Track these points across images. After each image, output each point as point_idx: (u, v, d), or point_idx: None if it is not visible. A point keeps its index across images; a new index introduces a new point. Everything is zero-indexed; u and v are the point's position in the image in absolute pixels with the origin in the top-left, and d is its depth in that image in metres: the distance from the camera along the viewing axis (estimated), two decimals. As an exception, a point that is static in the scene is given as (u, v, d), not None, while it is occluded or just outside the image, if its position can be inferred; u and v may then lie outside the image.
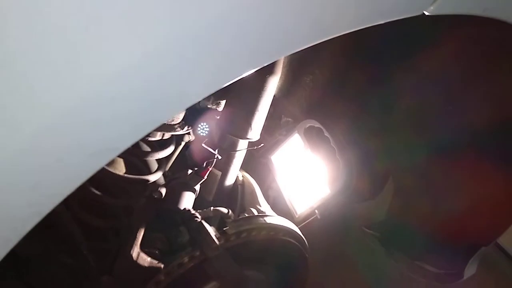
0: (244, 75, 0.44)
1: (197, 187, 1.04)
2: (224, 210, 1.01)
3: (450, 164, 1.04)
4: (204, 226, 0.89)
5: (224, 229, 0.92)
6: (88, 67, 0.34)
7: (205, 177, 1.02)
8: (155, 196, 0.97)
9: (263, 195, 1.16)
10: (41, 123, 0.34)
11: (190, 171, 1.05)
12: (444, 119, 0.98)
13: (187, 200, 0.99)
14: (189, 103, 0.43)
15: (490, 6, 0.55)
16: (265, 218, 0.98)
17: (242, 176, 1.17)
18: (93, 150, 0.38)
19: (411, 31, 0.84)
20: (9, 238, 0.39)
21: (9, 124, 0.35)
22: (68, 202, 1.02)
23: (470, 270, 1.11)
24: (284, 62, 1.07)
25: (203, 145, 1.02)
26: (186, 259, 0.87)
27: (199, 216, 0.92)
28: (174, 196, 0.99)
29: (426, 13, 0.49)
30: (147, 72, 0.36)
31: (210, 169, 1.02)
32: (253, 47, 0.41)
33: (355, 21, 0.45)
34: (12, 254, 0.46)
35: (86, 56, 0.34)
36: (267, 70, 0.99)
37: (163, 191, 1.00)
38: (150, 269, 0.89)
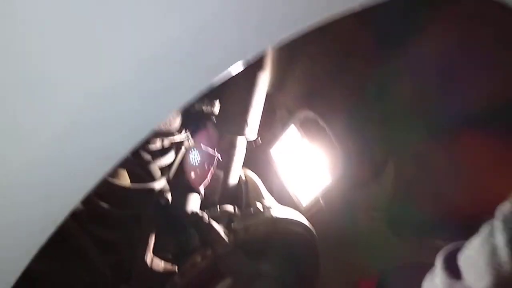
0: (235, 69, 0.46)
1: (202, 189, 1.06)
2: (230, 207, 1.04)
3: (450, 142, 1.05)
4: (212, 225, 0.91)
5: (232, 225, 0.95)
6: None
7: (208, 178, 1.04)
8: (162, 203, 0.99)
9: (267, 190, 1.19)
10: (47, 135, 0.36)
11: (193, 174, 1.07)
12: (444, 99, 1.00)
13: (193, 203, 1.01)
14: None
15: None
16: (271, 211, 1.00)
17: (245, 173, 1.19)
18: (98, 156, 0.40)
19: (409, 10, 0.85)
20: (29, 250, 0.42)
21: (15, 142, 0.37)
22: (79, 219, 1.04)
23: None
24: (272, 56, 1.09)
25: (202, 146, 1.04)
26: (198, 259, 0.90)
27: (207, 216, 0.94)
28: (180, 200, 1.01)
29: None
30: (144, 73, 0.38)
31: (212, 170, 1.04)
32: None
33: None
34: (29, 272, 0.48)
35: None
36: (257, 66, 1.02)
37: (169, 196, 1.02)
38: (165, 272, 0.91)
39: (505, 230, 0.51)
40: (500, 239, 0.51)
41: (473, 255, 0.55)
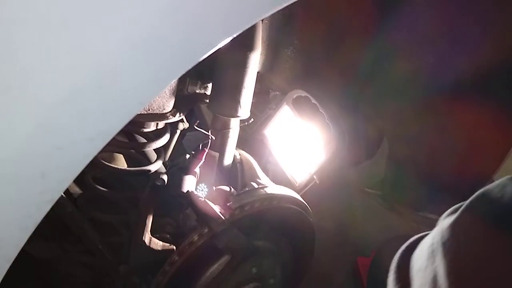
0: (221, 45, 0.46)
1: (197, 170, 1.07)
2: (226, 188, 1.05)
3: (442, 112, 1.06)
4: (208, 204, 0.93)
5: (228, 204, 0.97)
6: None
7: (203, 159, 1.05)
8: (159, 184, 1.01)
9: (262, 170, 1.20)
10: (39, 116, 0.37)
11: (188, 156, 1.08)
12: (439, 70, 0.99)
13: (189, 183, 1.03)
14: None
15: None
16: (265, 189, 1.02)
17: (239, 154, 1.21)
18: (90, 135, 0.42)
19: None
20: (27, 226, 0.43)
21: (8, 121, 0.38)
22: (78, 203, 1.06)
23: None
24: (263, 37, 1.09)
25: (195, 127, 1.05)
26: (196, 238, 0.92)
27: (203, 196, 0.96)
28: (177, 181, 1.02)
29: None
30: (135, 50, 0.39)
31: (207, 150, 1.06)
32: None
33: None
34: (32, 257, 0.50)
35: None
36: (247, 47, 1.02)
37: (165, 178, 1.03)
38: (164, 252, 0.93)
39: (445, 257, 0.48)
40: (440, 266, 0.49)
41: (419, 270, 0.54)
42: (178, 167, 1.07)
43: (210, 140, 1.05)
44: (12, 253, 0.45)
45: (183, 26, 0.42)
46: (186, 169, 1.05)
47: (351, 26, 1.05)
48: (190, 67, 0.45)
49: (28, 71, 0.37)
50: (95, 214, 1.07)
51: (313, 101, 1.13)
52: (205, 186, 1.03)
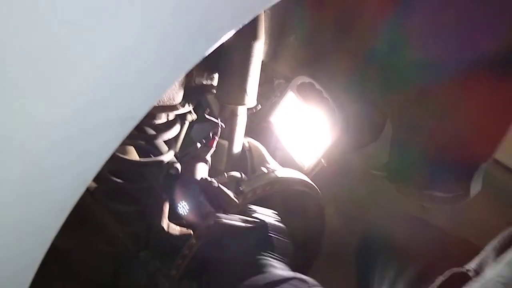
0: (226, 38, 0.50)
1: (208, 158, 1.11)
2: (237, 174, 1.09)
3: (445, 90, 1.09)
4: (222, 189, 0.97)
5: (241, 189, 1.00)
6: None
7: (214, 147, 1.09)
8: (173, 173, 1.05)
9: (271, 156, 1.24)
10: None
11: (199, 145, 1.12)
12: (446, 51, 1.01)
13: (202, 171, 1.07)
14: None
15: None
16: (275, 173, 1.06)
17: (248, 142, 1.25)
18: (118, 120, 0.45)
19: None
20: (64, 208, 0.47)
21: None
22: (96, 196, 1.10)
23: (475, 188, 1.19)
24: (265, 26, 1.13)
25: (205, 115, 1.09)
26: (212, 222, 0.96)
27: (216, 182, 1.00)
28: (189, 169, 1.06)
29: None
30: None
31: (217, 138, 1.09)
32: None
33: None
34: (54, 248, 0.53)
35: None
36: (251, 36, 1.06)
37: (178, 167, 1.07)
38: (182, 236, 0.98)
39: None
40: None
41: None
42: (190, 156, 1.10)
43: (220, 128, 1.09)
44: (51, 235, 0.49)
45: (191, 20, 0.45)
46: (198, 157, 1.09)
47: (362, 11, 1.07)
48: (197, 61, 0.49)
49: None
50: (113, 205, 1.11)
51: (317, 86, 1.16)
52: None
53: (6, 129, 0.41)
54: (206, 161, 1.10)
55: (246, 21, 0.49)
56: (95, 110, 0.44)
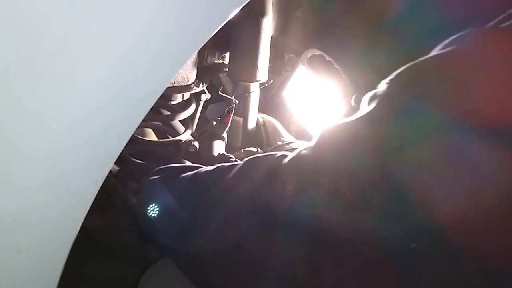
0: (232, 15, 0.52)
1: (225, 135, 1.14)
2: (254, 149, 1.12)
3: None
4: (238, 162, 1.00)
5: (258, 162, 1.03)
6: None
7: (229, 123, 1.12)
8: (191, 151, 1.08)
9: (286, 130, 1.27)
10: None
11: (214, 123, 1.15)
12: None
13: (219, 147, 1.10)
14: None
15: None
16: (291, 145, 1.08)
17: (262, 118, 1.27)
18: (141, 95, 0.48)
19: None
20: (96, 180, 0.50)
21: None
22: (119, 177, 1.14)
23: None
24: (272, 1, 1.13)
25: (219, 93, 1.12)
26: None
27: (233, 157, 1.03)
28: (207, 146, 1.09)
29: None
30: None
31: (232, 115, 1.12)
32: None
33: None
34: (83, 228, 0.57)
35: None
36: (259, 13, 1.07)
37: (197, 144, 1.11)
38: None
39: None
40: None
41: None
42: (207, 133, 1.14)
43: (234, 105, 1.11)
44: (87, 204, 0.52)
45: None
46: (214, 135, 1.12)
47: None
48: (207, 38, 0.51)
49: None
50: (135, 185, 1.16)
51: (328, 58, 1.17)
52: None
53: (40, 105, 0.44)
54: (223, 138, 1.13)
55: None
56: (119, 86, 0.46)
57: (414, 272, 0.47)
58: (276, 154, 0.61)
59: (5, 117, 0.43)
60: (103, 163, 0.50)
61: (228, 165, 0.68)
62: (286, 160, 0.57)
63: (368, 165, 0.47)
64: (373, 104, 0.50)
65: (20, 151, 0.45)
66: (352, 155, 0.50)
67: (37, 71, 0.42)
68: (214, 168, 0.70)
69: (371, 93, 0.54)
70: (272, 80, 1.20)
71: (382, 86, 0.51)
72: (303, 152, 0.55)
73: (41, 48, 0.41)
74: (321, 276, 0.54)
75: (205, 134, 1.14)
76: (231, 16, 0.52)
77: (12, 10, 0.39)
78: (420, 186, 0.43)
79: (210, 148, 1.09)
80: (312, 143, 0.55)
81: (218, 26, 0.51)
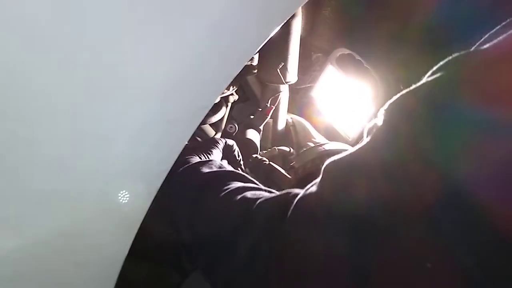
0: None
1: (261, 127, 1.15)
2: (286, 148, 1.12)
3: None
4: (273, 165, 1.01)
5: (291, 164, 1.04)
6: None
7: (269, 115, 1.13)
8: (230, 131, 1.10)
9: (315, 130, 1.26)
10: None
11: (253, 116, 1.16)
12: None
13: (254, 137, 1.10)
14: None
15: None
16: (323, 147, 1.08)
17: (291, 118, 1.27)
18: (195, 109, 0.49)
19: None
20: (150, 192, 0.51)
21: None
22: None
23: None
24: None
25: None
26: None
27: (266, 159, 1.04)
28: (242, 138, 1.10)
29: None
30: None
31: (273, 108, 1.13)
32: None
33: None
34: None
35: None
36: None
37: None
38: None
39: None
40: None
41: None
42: (244, 124, 1.15)
43: (278, 96, 1.11)
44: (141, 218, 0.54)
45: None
46: (252, 125, 1.13)
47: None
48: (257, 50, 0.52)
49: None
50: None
51: (357, 57, 1.17)
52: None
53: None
54: (259, 130, 1.14)
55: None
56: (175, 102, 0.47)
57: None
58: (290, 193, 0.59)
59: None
60: (156, 177, 0.51)
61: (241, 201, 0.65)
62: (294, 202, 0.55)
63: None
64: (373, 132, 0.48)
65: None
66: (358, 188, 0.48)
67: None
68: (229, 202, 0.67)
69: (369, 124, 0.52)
70: (300, 82, 1.20)
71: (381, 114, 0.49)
72: (310, 190, 0.54)
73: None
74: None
75: (242, 124, 1.15)
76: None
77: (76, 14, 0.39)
78: None
79: (244, 139, 1.10)
80: (318, 179, 0.54)
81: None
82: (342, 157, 0.50)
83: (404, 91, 0.49)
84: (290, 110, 1.28)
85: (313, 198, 0.50)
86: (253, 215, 0.60)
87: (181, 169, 0.76)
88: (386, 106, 0.49)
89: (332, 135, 1.28)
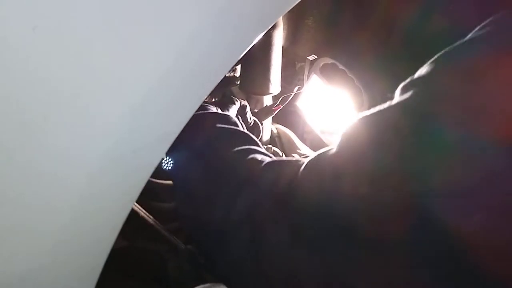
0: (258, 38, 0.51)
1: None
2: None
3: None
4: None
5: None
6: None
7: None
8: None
9: (300, 140, 1.25)
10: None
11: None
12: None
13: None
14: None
15: None
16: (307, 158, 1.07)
17: (276, 128, 1.26)
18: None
19: None
20: (132, 198, 0.50)
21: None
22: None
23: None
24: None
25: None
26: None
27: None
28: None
29: None
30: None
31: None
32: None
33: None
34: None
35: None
36: (271, 26, 1.05)
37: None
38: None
39: None
40: None
41: None
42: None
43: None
44: (119, 225, 0.52)
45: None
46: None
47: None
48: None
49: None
50: (153, 204, 1.15)
51: (341, 66, 1.16)
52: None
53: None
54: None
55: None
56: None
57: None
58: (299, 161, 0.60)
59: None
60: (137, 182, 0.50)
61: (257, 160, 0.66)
62: (305, 163, 0.55)
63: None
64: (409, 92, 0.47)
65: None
66: (373, 156, 0.47)
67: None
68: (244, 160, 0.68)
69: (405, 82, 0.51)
70: (283, 92, 1.19)
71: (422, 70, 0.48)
72: (326, 153, 0.54)
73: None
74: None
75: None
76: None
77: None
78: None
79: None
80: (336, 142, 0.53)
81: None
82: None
83: (387, 102, 0.49)
84: (274, 120, 1.27)
85: (328, 156, 0.52)
86: (261, 172, 0.62)
87: (198, 112, 0.75)
88: (367, 112, 0.48)
89: (318, 146, 1.26)
